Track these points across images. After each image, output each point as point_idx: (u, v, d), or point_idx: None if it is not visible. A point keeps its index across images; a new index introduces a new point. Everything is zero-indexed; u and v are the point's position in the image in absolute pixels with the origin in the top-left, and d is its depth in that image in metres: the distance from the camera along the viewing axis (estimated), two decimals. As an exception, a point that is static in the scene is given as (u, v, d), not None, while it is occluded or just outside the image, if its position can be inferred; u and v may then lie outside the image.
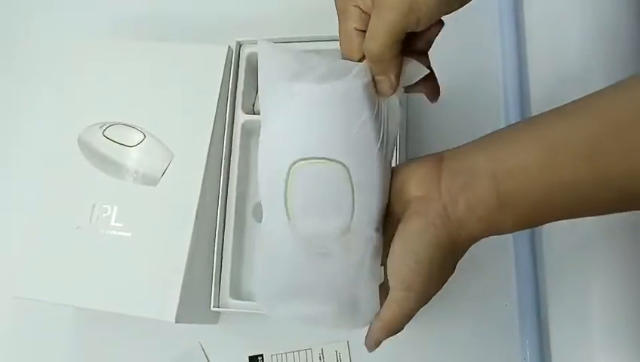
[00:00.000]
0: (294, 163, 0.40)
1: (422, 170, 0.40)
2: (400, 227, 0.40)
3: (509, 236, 0.64)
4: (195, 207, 0.58)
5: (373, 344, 0.43)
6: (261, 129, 0.43)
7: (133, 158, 0.61)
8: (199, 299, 0.59)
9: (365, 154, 0.40)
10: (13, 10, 0.85)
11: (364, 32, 0.40)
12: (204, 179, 0.59)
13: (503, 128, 0.39)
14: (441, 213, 0.38)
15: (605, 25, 0.67)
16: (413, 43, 0.43)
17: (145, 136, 0.61)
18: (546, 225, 0.48)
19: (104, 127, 0.62)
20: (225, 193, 0.62)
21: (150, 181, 0.60)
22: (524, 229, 0.39)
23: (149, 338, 0.67)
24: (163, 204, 0.59)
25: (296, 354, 0.64)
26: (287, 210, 0.40)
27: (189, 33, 0.75)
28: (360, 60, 0.41)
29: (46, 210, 0.61)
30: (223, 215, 0.61)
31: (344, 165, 0.39)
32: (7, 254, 0.67)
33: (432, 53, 0.69)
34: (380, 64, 0.40)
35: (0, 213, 0.75)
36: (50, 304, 0.59)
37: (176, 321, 0.55)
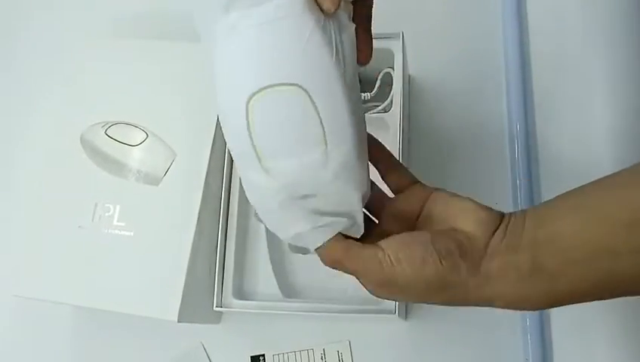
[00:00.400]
0: (250, 97, 0.37)
1: (483, 214, 0.39)
2: (428, 229, 0.40)
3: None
4: (198, 206, 0.58)
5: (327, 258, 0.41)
6: (212, 71, 0.40)
7: (135, 157, 0.61)
8: (201, 298, 0.59)
9: (321, 71, 0.37)
10: (13, 10, 0.85)
11: None
12: (206, 179, 0.59)
13: (556, 197, 0.39)
14: (475, 260, 0.38)
15: (607, 20, 0.67)
16: None
17: (147, 135, 0.61)
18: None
19: (106, 126, 0.62)
20: (227, 192, 0.62)
21: (153, 180, 0.59)
22: (547, 307, 0.39)
23: (150, 338, 0.67)
24: (165, 204, 0.59)
25: (298, 354, 0.64)
26: (256, 152, 0.38)
27: (192, 31, 0.75)
28: None
29: (48, 208, 0.61)
30: (225, 214, 0.61)
31: (301, 87, 0.37)
32: (8, 253, 0.67)
33: (434, 48, 0.69)
34: None
35: (2, 211, 0.75)
36: (52, 303, 0.59)
37: (179, 321, 0.55)
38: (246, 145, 0.38)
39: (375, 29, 0.62)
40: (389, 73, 0.61)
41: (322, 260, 0.41)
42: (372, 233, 0.42)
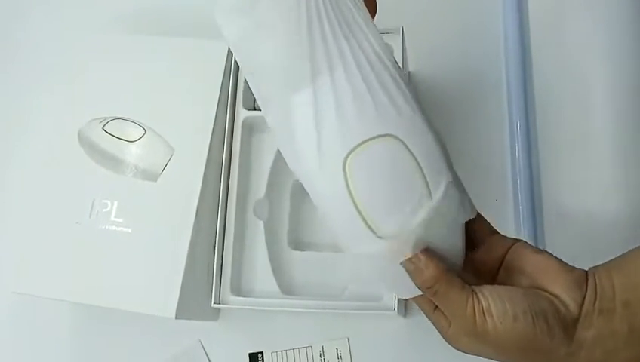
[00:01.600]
0: (346, 158, 0.38)
1: (571, 276, 0.39)
2: (512, 284, 0.40)
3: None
4: (196, 202, 0.58)
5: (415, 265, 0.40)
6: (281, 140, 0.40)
7: (133, 153, 0.60)
8: (199, 295, 0.59)
9: (409, 119, 0.38)
10: (13, 5, 0.84)
11: None
12: (204, 175, 0.59)
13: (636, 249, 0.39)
14: (569, 326, 0.37)
15: (608, 17, 0.66)
16: None
17: (145, 131, 0.61)
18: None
19: (104, 122, 0.61)
20: (226, 189, 0.61)
21: (150, 176, 0.59)
22: None
23: (148, 335, 0.66)
24: (163, 200, 0.58)
25: (296, 351, 0.64)
26: (362, 218, 0.38)
27: (190, 28, 0.75)
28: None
29: (46, 205, 0.61)
30: (223, 211, 0.61)
31: (395, 136, 0.38)
32: (6, 249, 0.67)
33: (434, 45, 0.69)
34: None
35: (0, 207, 0.75)
36: (50, 300, 0.59)
37: (177, 317, 0.55)
38: (349, 213, 0.38)
39: (375, 24, 0.62)
40: (388, 69, 0.61)
41: (414, 279, 0.39)
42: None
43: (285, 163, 0.63)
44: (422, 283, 0.39)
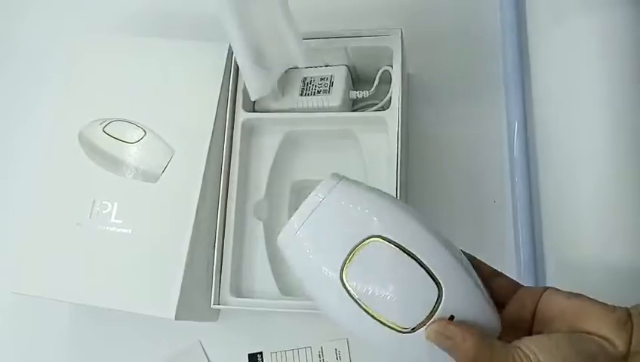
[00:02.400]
0: (342, 270, 0.40)
1: (613, 316, 0.38)
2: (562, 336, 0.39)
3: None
4: (196, 203, 0.58)
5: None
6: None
7: (133, 155, 0.61)
8: (199, 296, 0.59)
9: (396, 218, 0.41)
10: (14, 6, 0.85)
11: None
12: (204, 176, 0.59)
13: None
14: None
15: (607, 18, 0.66)
16: None
17: (145, 132, 0.61)
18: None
19: (105, 124, 0.62)
20: (225, 190, 0.62)
21: (150, 178, 0.59)
22: None
23: (148, 335, 0.67)
24: (163, 201, 0.59)
25: (295, 351, 0.64)
26: (382, 322, 0.40)
27: (190, 30, 0.75)
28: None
29: (46, 205, 0.61)
30: (223, 212, 0.61)
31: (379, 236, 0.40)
32: (6, 249, 0.67)
33: (433, 47, 0.69)
34: None
35: (1, 208, 0.75)
36: (50, 300, 0.59)
37: (176, 318, 0.55)
38: (370, 324, 0.39)
39: (374, 25, 0.62)
40: (387, 71, 0.61)
41: (456, 354, 0.39)
42: None
43: (284, 164, 0.64)
44: (464, 356, 0.38)
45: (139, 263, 0.57)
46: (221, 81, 0.62)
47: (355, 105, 0.65)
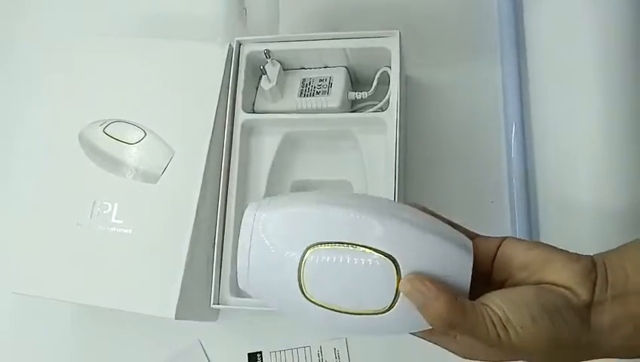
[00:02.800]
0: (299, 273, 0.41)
1: (577, 265, 0.38)
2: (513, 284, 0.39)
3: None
4: (196, 204, 0.58)
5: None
6: None
7: (133, 156, 0.61)
8: (199, 295, 0.59)
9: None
10: (14, 7, 0.85)
11: None
12: (204, 177, 0.59)
13: None
14: (584, 315, 0.37)
15: (605, 19, 0.67)
16: None
17: (145, 133, 0.61)
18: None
19: (105, 124, 0.62)
20: (225, 191, 0.62)
21: (150, 178, 0.60)
22: None
23: (148, 335, 0.67)
24: (163, 201, 0.59)
25: (294, 351, 0.65)
26: (360, 314, 0.41)
27: (190, 31, 0.75)
28: None
29: (46, 206, 0.61)
30: (223, 212, 0.61)
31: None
32: (7, 250, 0.67)
33: (431, 48, 0.69)
34: None
35: (1, 209, 0.76)
36: (50, 300, 0.59)
37: (176, 318, 0.55)
38: (346, 319, 0.40)
39: (372, 27, 0.62)
40: (386, 72, 0.62)
41: (425, 316, 0.39)
42: None
43: (283, 165, 0.64)
44: (436, 316, 0.38)
45: (139, 263, 0.58)
46: (221, 82, 0.62)
47: (353, 106, 0.65)
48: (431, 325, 0.39)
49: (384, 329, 0.42)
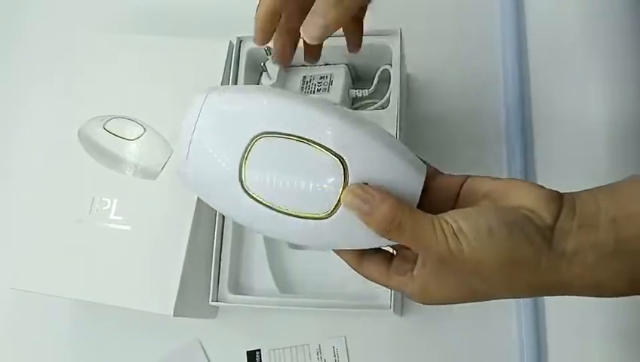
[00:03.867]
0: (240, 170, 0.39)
1: (542, 191, 0.36)
2: (487, 205, 0.37)
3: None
4: (195, 200, 0.58)
5: None
6: None
7: (133, 152, 0.61)
8: (197, 293, 0.59)
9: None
10: (13, 3, 0.85)
11: None
12: (203, 174, 0.59)
13: (628, 177, 0.37)
14: (546, 235, 0.34)
15: (606, 14, 0.67)
16: None
17: (145, 129, 0.61)
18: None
19: (104, 120, 0.62)
20: (224, 188, 0.62)
21: (150, 175, 0.60)
22: (629, 293, 0.35)
23: (146, 332, 0.67)
24: (162, 198, 0.59)
25: (293, 349, 0.65)
26: (299, 216, 0.38)
27: (190, 28, 0.75)
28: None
29: (46, 202, 0.61)
30: (222, 209, 0.61)
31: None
32: (6, 246, 0.67)
33: (432, 46, 0.69)
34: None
35: (0, 205, 0.76)
36: (48, 296, 0.59)
37: (175, 315, 0.55)
38: (275, 218, 0.39)
39: (373, 25, 0.62)
40: (386, 70, 0.61)
41: (369, 223, 0.36)
42: None
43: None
44: (381, 219, 0.35)
45: (138, 260, 0.58)
46: (221, 79, 0.62)
47: (354, 104, 0.65)
48: (376, 232, 0.36)
49: (321, 237, 0.39)
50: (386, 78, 0.62)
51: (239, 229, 0.62)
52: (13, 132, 0.79)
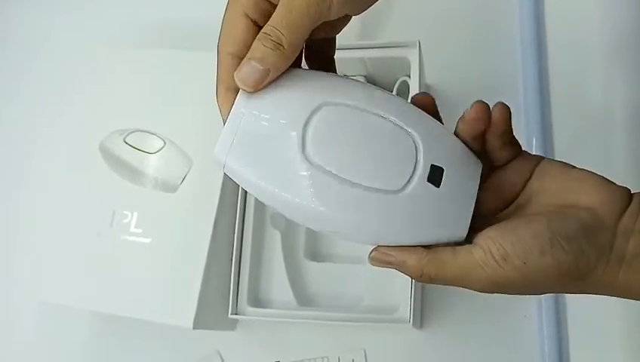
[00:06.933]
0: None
1: (610, 188, 0.35)
2: (538, 205, 0.36)
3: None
4: (214, 213, 0.58)
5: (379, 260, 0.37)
6: None
7: (153, 165, 0.61)
8: (217, 305, 0.59)
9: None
10: (36, 16, 0.86)
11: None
12: (222, 187, 0.59)
13: None
14: (605, 241, 0.33)
15: (626, 26, 0.66)
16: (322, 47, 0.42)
17: (165, 143, 0.62)
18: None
19: (125, 134, 0.62)
20: (243, 200, 0.62)
21: (170, 188, 0.60)
22: None
23: (166, 344, 0.67)
24: (182, 211, 0.59)
25: (312, 361, 0.64)
26: None
27: (206, 41, 0.76)
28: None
29: (68, 215, 0.62)
30: (241, 222, 0.62)
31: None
32: (28, 258, 0.68)
33: (451, 57, 0.69)
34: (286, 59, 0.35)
35: (23, 218, 0.76)
36: (70, 308, 0.60)
37: (194, 327, 0.55)
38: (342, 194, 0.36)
39: (391, 37, 0.62)
40: (405, 82, 0.61)
41: (410, 275, 0.36)
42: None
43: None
44: (413, 273, 0.36)
45: (158, 272, 0.58)
46: (240, 92, 0.62)
47: (372, 116, 0.65)
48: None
49: (386, 216, 0.35)
50: (404, 90, 0.61)
51: (258, 242, 0.62)
52: (36, 145, 0.80)
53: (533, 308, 0.61)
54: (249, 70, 0.35)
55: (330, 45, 0.43)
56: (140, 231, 0.59)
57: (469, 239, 0.36)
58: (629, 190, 0.35)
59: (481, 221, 0.36)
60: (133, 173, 0.61)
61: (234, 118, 0.37)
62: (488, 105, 0.37)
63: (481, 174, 0.37)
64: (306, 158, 0.35)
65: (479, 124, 0.36)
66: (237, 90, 0.37)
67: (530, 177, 0.38)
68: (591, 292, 0.35)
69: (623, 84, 0.66)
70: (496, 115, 0.36)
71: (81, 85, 0.68)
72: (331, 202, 0.35)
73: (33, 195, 0.77)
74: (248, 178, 0.36)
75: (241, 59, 0.36)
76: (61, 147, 0.71)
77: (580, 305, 0.61)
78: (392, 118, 0.36)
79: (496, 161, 0.38)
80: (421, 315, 0.62)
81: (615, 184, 0.36)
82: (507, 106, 0.37)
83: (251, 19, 0.37)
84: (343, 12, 0.37)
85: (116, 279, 0.58)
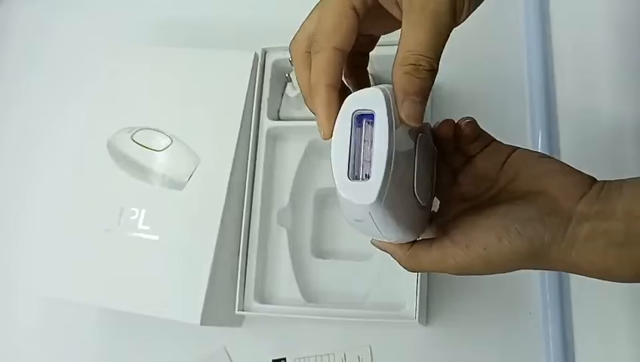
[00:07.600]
0: None
1: (572, 177, 0.38)
2: (510, 190, 0.39)
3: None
4: (221, 211, 0.59)
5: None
6: None
7: (160, 163, 0.62)
8: (224, 301, 0.60)
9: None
10: (43, 16, 0.87)
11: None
12: (229, 184, 0.60)
13: None
14: (559, 223, 0.36)
15: (632, 24, 0.66)
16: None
17: (172, 140, 0.62)
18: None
19: (133, 132, 0.63)
20: (250, 197, 0.62)
21: (177, 185, 0.60)
22: (632, 280, 0.36)
23: (173, 340, 0.67)
24: (189, 208, 0.60)
25: (319, 358, 0.65)
26: None
27: (216, 39, 0.76)
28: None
29: (75, 212, 0.62)
30: (248, 219, 0.62)
31: None
32: (37, 254, 0.68)
33: (456, 56, 0.69)
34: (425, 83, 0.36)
35: (31, 214, 0.77)
36: (77, 304, 0.60)
37: (202, 324, 0.56)
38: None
39: (398, 35, 0.62)
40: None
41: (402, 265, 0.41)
42: (453, 196, 0.42)
43: (308, 172, 0.65)
44: (400, 264, 0.41)
45: (165, 269, 0.58)
46: (246, 90, 0.63)
47: (378, 114, 0.65)
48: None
49: (420, 220, 0.40)
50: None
51: (265, 239, 0.63)
52: (44, 143, 0.80)
53: (538, 304, 0.61)
54: (411, 105, 0.36)
55: (372, 45, 0.46)
56: (147, 228, 0.60)
57: (446, 228, 0.40)
58: (593, 178, 0.38)
59: (462, 206, 0.42)
60: (140, 171, 0.62)
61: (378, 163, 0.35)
62: (453, 121, 0.42)
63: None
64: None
65: (448, 138, 0.42)
66: (339, 89, 0.39)
67: (503, 165, 0.41)
68: (546, 268, 0.38)
69: (629, 86, 0.66)
70: (466, 130, 0.41)
71: (89, 83, 0.68)
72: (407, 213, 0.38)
73: (42, 193, 0.77)
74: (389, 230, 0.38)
75: (346, 54, 0.38)
76: (69, 145, 0.71)
77: (585, 301, 0.61)
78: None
79: (470, 151, 0.42)
80: (427, 312, 0.62)
81: (578, 171, 0.38)
82: (473, 120, 0.42)
83: (357, 13, 0.38)
84: (470, 13, 0.40)
85: (124, 275, 0.59)
